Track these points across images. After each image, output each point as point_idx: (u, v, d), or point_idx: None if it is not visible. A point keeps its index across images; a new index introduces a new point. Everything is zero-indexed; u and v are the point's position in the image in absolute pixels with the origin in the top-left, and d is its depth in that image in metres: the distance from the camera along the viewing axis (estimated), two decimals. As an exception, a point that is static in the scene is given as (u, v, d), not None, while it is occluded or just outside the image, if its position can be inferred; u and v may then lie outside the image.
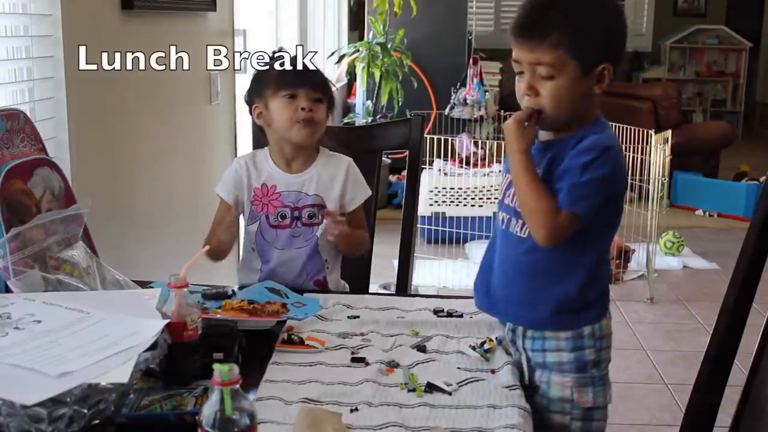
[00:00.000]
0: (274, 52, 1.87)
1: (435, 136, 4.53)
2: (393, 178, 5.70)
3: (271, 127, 1.81)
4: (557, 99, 1.30)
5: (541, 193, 1.29)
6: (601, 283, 1.39)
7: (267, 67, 1.83)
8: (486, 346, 1.40)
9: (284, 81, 1.79)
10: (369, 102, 5.83)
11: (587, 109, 1.34)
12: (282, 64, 1.82)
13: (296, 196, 1.81)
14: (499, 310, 1.44)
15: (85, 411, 0.99)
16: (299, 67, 1.82)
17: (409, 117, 2.25)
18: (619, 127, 4.55)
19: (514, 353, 1.41)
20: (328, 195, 1.82)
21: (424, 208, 4.66)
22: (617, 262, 4.27)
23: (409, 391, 1.25)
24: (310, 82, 1.80)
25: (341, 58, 5.73)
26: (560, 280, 1.35)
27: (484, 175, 4.88)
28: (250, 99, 1.86)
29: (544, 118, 1.33)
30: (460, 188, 4.83)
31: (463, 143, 4.99)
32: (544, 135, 1.38)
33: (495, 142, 4.82)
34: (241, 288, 1.68)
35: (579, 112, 1.33)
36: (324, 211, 1.79)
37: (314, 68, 1.85)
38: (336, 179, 1.84)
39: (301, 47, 1.99)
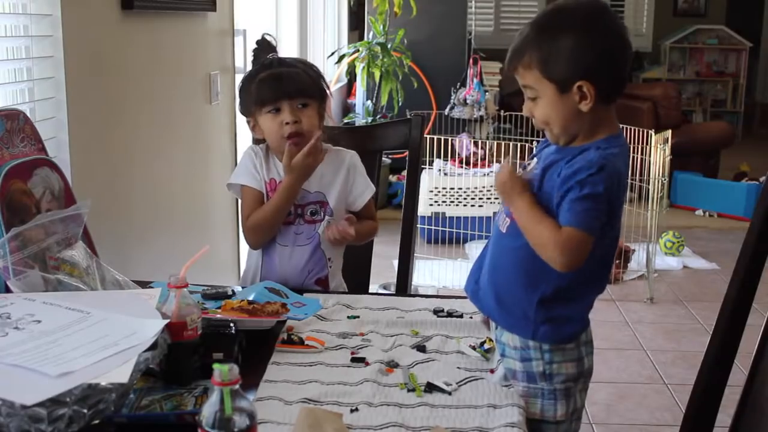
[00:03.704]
0: (256, 50, 1.84)
1: (435, 136, 4.53)
2: (393, 178, 5.70)
3: (266, 138, 1.82)
4: (546, 119, 1.30)
5: (541, 218, 1.27)
6: (569, 308, 1.32)
7: (249, 78, 1.81)
8: (486, 346, 1.40)
9: (265, 97, 1.77)
10: (369, 102, 5.83)
11: (590, 125, 1.30)
12: (267, 64, 1.79)
13: (299, 193, 1.81)
14: (478, 298, 1.41)
15: (85, 411, 0.99)
16: (282, 62, 1.80)
17: (409, 117, 2.24)
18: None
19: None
20: (330, 191, 1.83)
21: (424, 208, 4.66)
22: (617, 262, 4.27)
23: (409, 391, 1.25)
24: (292, 90, 1.76)
25: (341, 58, 5.73)
26: (525, 286, 1.31)
27: (484, 175, 4.88)
28: (242, 112, 1.86)
29: (550, 136, 1.33)
30: (460, 188, 4.83)
31: (463, 143, 5.00)
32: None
33: (495, 142, 4.82)
34: (242, 286, 1.68)
35: (575, 129, 1.30)
36: (347, 217, 1.81)
37: (295, 67, 1.81)
38: (338, 175, 1.84)
39: (270, 36, 1.90)
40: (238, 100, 1.88)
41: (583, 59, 1.26)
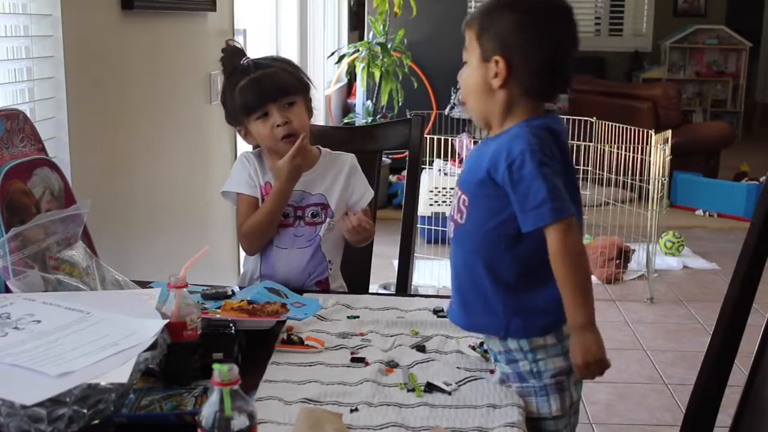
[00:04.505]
0: (224, 58, 1.81)
1: (435, 136, 4.53)
2: (393, 178, 5.70)
3: (260, 144, 1.81)
4: (465, 86, 1.34)
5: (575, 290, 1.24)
6: (536, 296, 1.29)
7: (229, 87, 1.78)
8: (485, 346, 1.40)
9: (250, 104, 1.75)
10: (369, 102, 5.83)
11: (503, 111, 1.30)
12: (244, 69, 1.76)
13: (300, 195, 1.81)
14: (449, 310, 1.40)
15: (85, 411, 0.99)
16: (258, 65, 1.77)
17: (409, 117, 2.24)
18: (619, 127, 4.56)
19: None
20: (331, 194, 1.82)
21: (424, 208, 4.66)
22: (617, 262, 4.27)
23: (408, 390, 1.25)
24: (275, 92, 1.74)
25: (341, 58, 5.74)
26: (488, 279, 1.29)
27: (484, 175, 4.87)
28: (230, 123, 1.85)
29: (468, 110, 1.37)
30: (460, 188, 4.82)
31: (463, 143, 4.99)
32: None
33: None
34: (241, 287, 1.68)
35: (486, 109, 1.32)
36: (363, 210, 1.80)
37: (272, 67, 1.78)
38: (339, 177, 1.84)
39: (233, 41, 1.84)
40: (223, 111, 1.85)
41: (509, 37, 1.28)
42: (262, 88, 1.74)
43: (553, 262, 1.23)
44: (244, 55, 1.81)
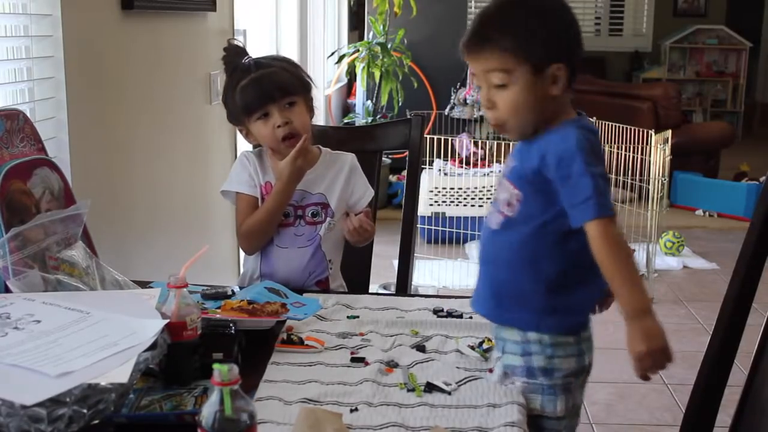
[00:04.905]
0: (225, 57, 1.81)
1: (435, 136, 4.53)
2: (393, 178, 5.70)
3: (261, 144, 1.81)
4: (515, 107, 1.27)
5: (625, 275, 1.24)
6: (574, 296, 1.30)
7: (230, 87, 1.78)
8: (485, 346, 1.40)
9: (251, 104, 1.74)
10: (369, 102, 5.83)
11: (552, 112, 1.29)
12: (245, 69, 1.76)
13: (300, 194, 1.81)
14: (474, 303, 1.40)
15: (85, 411, 0.99)
16: (258, 64, 1.77)
17: (409, 117, 2.24)
18: (619, 127, 4.56)
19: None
20: (332, 193, 1.82)
21: (424, 208, 4.66)
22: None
23: (408, 390, 1.25)
24: (276, 93, 1.74)
25: (341, 58, 5.73)
26: (529, 276, 1.29)
27: (484, 175, 4.88)
28: (232, 122, 1.84)
29: (509, 130, 1.31)
30: (460, 188, 4.83)
31: (463, 143, 5.00)
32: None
33: (495, 142, 4.82)
34: (240, 287, 1.68)
35: (540, 118, 1.29)
36: (365, 212, 1.81)
37: (273, 67, 1.78)
38: (340, 177, 1.84)
39: (235, 40, 1.83)
40: (225, 110, 1.85)
41: (558, 39, 1.27)
42: (262, 89, 1.74)
43: (599, 255, 1.22)
44: (246, 54, 1.81)
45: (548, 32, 1.26)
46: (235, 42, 1.84)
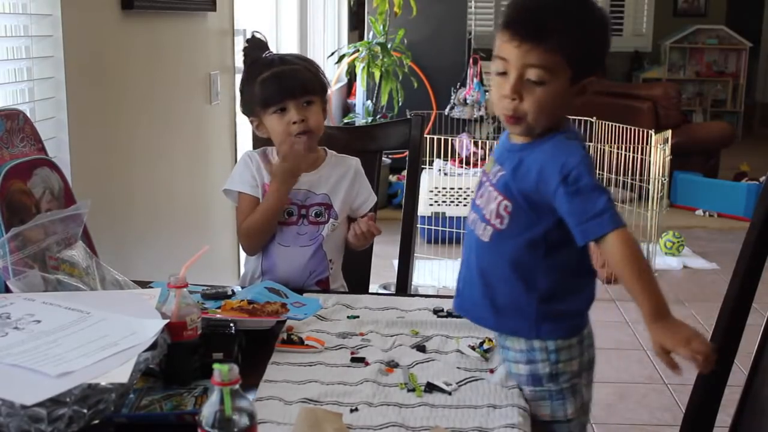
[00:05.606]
0: (247, 49, 1.83)
1: (435, 136, 4.53)
2: (393, 178, 5.70)
3: (272, 138, 1.82)
4: (541, 107, 1.23)
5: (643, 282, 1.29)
6: (568, 302, 1.30)
7: (250, 78, 1.79)
8: (485, 346, 1.40)
9: (270, 97, 1.76)
10: (369, 102, 5.83)
11: (559, 119, 1.29)
12: (268, 63, 1.78)
13: (305, 194, 1.81)
14: (465, 310, 1.38)
15: (85, 411, 0.99)
16: (283, 60, 1.79)
17: (409, 117, 2.24)
18: (619, 127, 4.56)
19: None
20: (336, 195, 1.83)
21: (424, 208, 4.66)
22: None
23: (408, 390, 1.25)
24: (297, 88, 1.76)
25: (341, 58, 5.73)
26: (523, 287, 1.29)
27: (484, 175, 4.87)
28: (245, 113, 1.86)
29: (522, 125, 1.26)
30: (460, 188, 4.83)
31: (463, 143, 5.00)
32: (518, 138, 1.31)
33: (495, 142, 4.81)
34: (242, 286, 1.68)
35: (555, 121, 1.27)
36: (369, 216, 1.82)
37: (297, 65, 1.80)
38: (344, 181, 1.85)
39: (259, 34, 1.85)
40: (239, 100, 1.88)
41: (604, 57, 1.27)
42: (283, 83, 1.76)
43: (619, 264, 1.22)
44: (267, 48, 1.84)
45: (599, 45, 1.26)
46: (259, 36, 1.86)
